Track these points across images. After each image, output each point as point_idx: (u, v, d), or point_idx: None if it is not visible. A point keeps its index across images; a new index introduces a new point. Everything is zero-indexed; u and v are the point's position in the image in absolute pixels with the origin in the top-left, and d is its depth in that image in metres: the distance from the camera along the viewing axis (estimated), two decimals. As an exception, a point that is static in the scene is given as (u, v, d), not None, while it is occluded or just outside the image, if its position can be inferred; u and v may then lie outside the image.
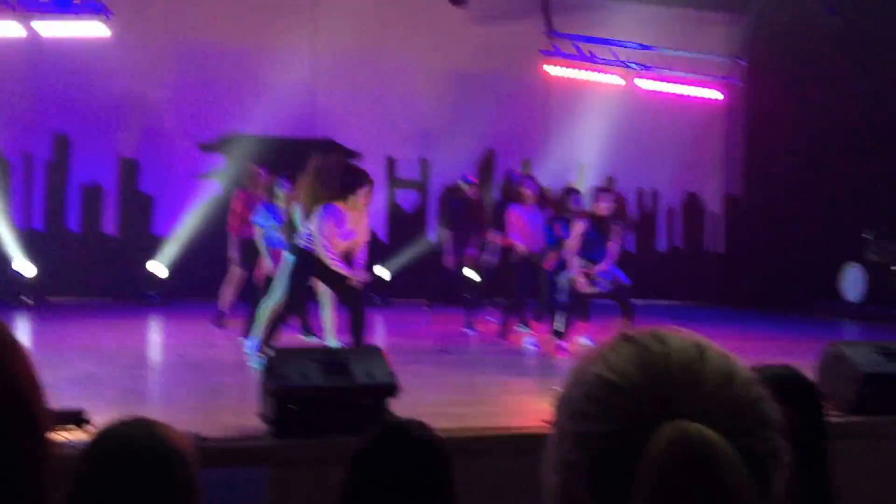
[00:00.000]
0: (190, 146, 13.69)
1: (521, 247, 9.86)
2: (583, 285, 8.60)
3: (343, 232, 7.65)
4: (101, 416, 2.03)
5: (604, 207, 8.80)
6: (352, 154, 14.26)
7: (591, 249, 8.68)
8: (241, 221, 9.97)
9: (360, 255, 7.92)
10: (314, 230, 7.59)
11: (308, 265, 7.64)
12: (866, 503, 5.65)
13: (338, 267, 7.60)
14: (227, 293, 10.36)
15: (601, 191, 9.27)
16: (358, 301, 7.75)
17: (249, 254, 9.68)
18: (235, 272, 10.25)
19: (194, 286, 12.38)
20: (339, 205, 7.63)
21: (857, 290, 14.18)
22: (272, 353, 5.35)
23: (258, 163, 10.92)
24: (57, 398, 5.88)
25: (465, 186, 11.31)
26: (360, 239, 7.87)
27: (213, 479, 4.60)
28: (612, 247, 8.82)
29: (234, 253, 10.18)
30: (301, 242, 7.79)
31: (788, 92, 14.57)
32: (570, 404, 0.94)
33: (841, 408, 5.94)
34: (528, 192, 10.18)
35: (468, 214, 10.97)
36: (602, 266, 8.67)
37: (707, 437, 0.84)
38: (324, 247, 7.52)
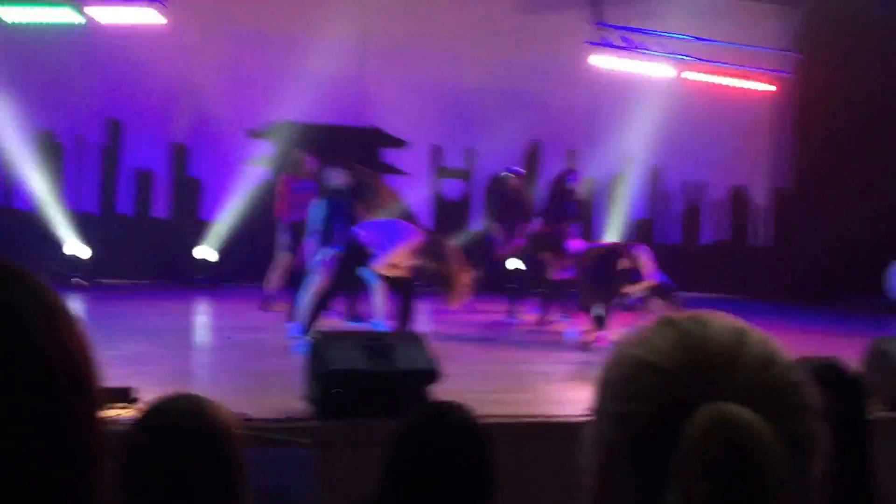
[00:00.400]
0: (238, 132, 13.80)
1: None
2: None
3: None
4: (150, 395, 2.06)
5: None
6: (398, 142, 14.32)
7: None
8: (289, 206, 10.08)
9: None
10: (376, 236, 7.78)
11: (358, 256, 7.72)
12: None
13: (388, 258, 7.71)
14: (275, 278, 10.45)
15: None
16: (408, 289, 7.80)
17: (297, 238, 9.78)
18: (283, 257, 10.34)
19: (242, 271, 12.51)
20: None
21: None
22: (316, 338, 5.39)
23: (304, 149, 11.01)
24: (107, 376, 5.99)
25: (510, 177, 11.28)
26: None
27: (259, 459, 4.66)
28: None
29: (281, 238, 10.28)
30: (358, 236, 7.91)
31: (839, 85, 14.35)
32: (610, 386, 0.94)
33: (886, 403, 5.87)
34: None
35: (513, 205, 10.95)
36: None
37: (746, 419, 0.84)
38: (386, 252, 7.68)
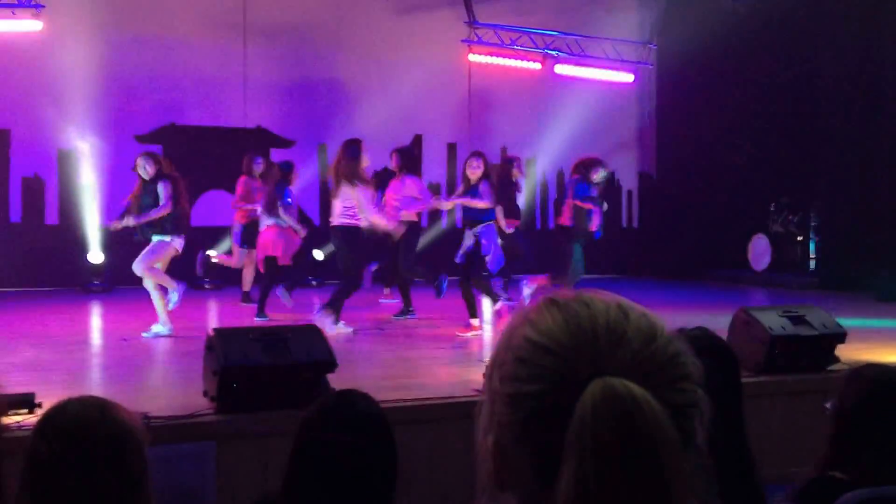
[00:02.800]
0: (127, 138, 13.44)
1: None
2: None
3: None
4: (52, 400, 1.99)
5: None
6: (286, 142, 14.16)
7: None
8: (240, 207, 10.82)
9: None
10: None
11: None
12: (776, 454, 5.80)
13: None
14: (248, 275, 10.94)
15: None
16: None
17: (250, 236, 10.44)
18: (246, 254, 10.83)
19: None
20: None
21: (763, 259, 14.51)
22: (211, 334, 5.28)
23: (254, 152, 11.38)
24: (7, 383, 5.74)
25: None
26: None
27: (161, 456, 4.55)
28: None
29: (237, 237, 10.89)
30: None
31: (696, 74, 14.79)
32: (501, 368, 0.94)
33: (750, 368, 6.07)
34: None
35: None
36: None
37: (632, 392, 0.85)
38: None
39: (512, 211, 10.65)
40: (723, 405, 1.99)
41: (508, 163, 11.00)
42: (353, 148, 8.63)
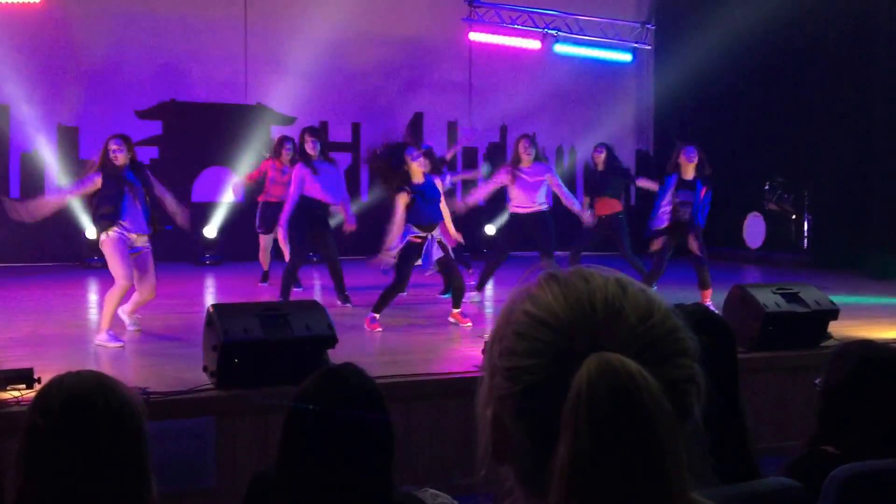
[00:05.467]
0: (127, 113, 13.39)
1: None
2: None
3: None
4: (50, 376, 1.98)
5: None
6: (287, 119, 14.11)
7: None
8: (268, 190, 10.35)
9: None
10: None
11: None
12: (770, 429, 5.83)
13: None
14: (265, 257, 10.61)
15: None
16: None
17: (269, 219, 10.06)
18: (265, 238, 10.46)
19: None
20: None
21: (758, 237, 14.51)
22: (211, 310, 5.28)
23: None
24: (7, 358, 5.72)
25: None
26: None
27: (160, 431, 4.56)
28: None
29: (260, 219, 10.44)
30: None
31: (693, 54, 14.73)
32: (501, 342, 0.93)
33: (744, 345, 6.09)
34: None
35: None
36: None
37: (628, 367, 0.84)
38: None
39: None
40: (719, 381, 1.99)
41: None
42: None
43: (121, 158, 6.98)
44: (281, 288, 8.70)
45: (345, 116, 14.75)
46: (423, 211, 7.64)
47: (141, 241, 7.08)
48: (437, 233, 7.77)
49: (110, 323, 6.82)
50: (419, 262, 7.71)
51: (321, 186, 8.86)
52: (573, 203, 9.53)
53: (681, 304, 2.01)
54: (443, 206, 8.11)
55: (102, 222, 6.97)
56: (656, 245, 8.91)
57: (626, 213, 10.59)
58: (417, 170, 7.72)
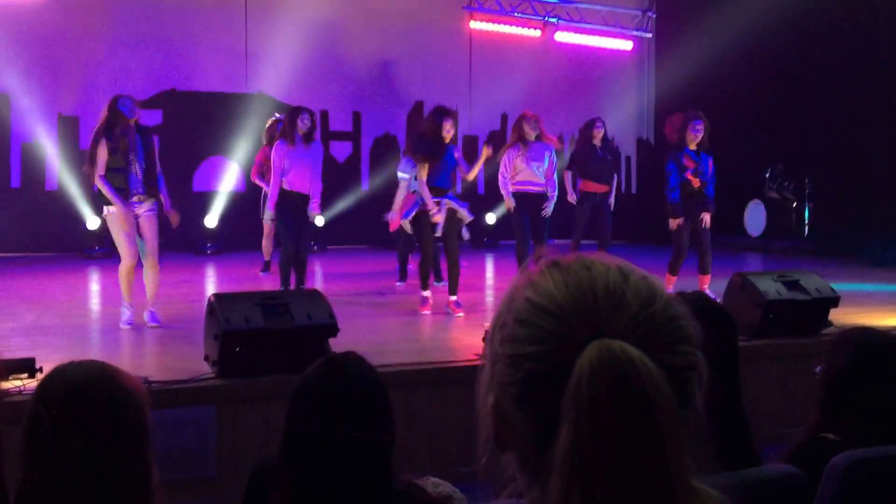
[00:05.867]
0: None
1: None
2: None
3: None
4: (52, 365, 1.98)
5: None
6: (287, 108, 14.08)
7: None
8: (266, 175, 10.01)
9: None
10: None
11: None
12: (771, 416, 5.83)
13: None
14: (268, 244, 10.52)
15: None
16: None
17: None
18: (267, 225, 10.25)
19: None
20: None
21: (759, 225, 14.50)
22: (212, 299, 5.28)
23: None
24: (8, 347, 5.72)
25: None
26: None
27: (161, 420, 4.57)
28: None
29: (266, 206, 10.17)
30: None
31: (694, 42, 14.70)
32: (502, 329, 0.93)
33: (745, 332, 6.09)
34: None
35: None
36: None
37: (629, 354, 0.84)
38: None
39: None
40: (720, 368, 1.99)
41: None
42: None
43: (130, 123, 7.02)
44: (280, 277, 8.68)
45: (346, 105, 14.72)
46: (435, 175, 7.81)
47: (143, 207, 7.03)
48: (449, 201, 7.87)
49: (128, 296, 6.99)
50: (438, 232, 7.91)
51: (296, 175, 8.49)
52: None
53: (682, 292, 2.01)
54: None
55: (120, 196, 6.95)
56: (674, 224, 8.76)
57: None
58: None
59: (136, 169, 6.97)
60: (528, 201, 8.76)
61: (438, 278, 9.51)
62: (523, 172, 8.81)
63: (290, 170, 8.30)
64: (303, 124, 8.40)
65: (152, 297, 7.17)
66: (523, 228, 8.70)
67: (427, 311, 7.84)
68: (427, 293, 7.96)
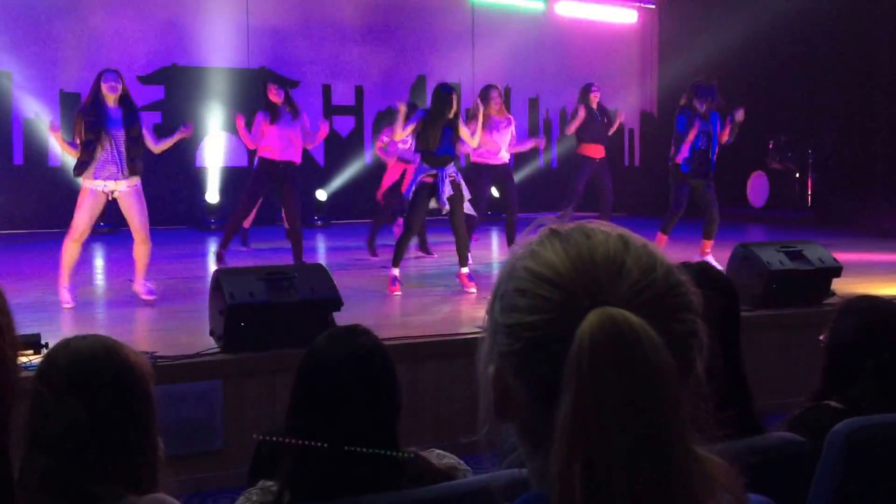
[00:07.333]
0: (129, 78, 13.30)
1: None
2: None
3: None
4: (57, 341, 1.98)
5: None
6: (291, 83, 14.03)
7: None
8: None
9: None
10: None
11: None
12: (773, 385, 5.84)
13: None
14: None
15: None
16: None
17: None
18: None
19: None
20: None
21: (762, 196, 14.46)
22: (217, 273, 5.28)
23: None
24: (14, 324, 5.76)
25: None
26: None
27: (167, 395, 4.58)
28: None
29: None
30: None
31: (697, 14, 14.60)
32: (503, 298, 0.93)
33: (748, 302, 6.09)
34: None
35: None
36: None
37: (630, 322, 0.83)
38: None
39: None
40: (722, 336, 1.99)
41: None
42: None
43: (111, 99, 6.85)
44: (224, 233, 8.86)
45: (349, 79, 14.66)
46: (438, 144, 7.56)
47: (121, 185, 6.88)
48: (450, 170, 7.61)
49: (66, 276, 6.87)
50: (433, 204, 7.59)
51: (279, 144, 8.52)
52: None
53: (687, 262, 2.00)
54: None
55: (79, 169, 6.93)
56: (676, 181, 8.82)
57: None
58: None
59: (111, 144, 6.81)
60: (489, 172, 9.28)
61: (426, 249, 9.69)
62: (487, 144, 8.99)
63: (270, 139, 8.54)
64: (276, 95, 8.61)
65: (141, 272, 7.10)
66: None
67: (398, 293, 7.36)
68: (396, 271, 7.49)
